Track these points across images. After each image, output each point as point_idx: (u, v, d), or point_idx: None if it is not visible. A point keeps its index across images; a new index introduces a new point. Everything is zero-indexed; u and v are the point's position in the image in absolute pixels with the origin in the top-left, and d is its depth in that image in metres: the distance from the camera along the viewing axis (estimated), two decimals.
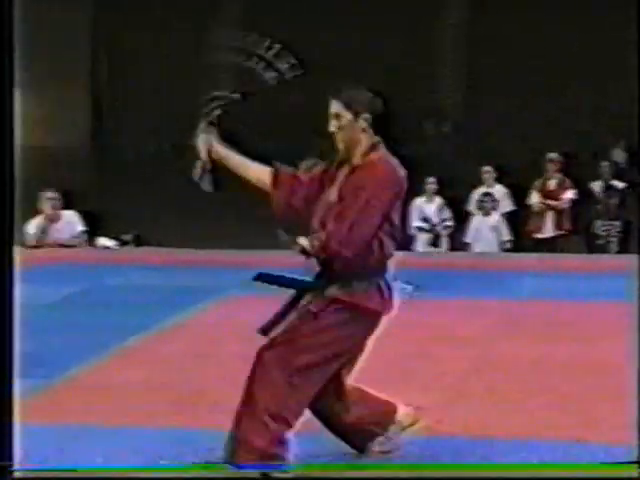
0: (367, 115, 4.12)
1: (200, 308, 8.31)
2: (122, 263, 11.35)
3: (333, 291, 4.09)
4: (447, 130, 13.22)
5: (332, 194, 4.14)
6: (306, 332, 4.10)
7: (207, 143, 4.30)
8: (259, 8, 13.52)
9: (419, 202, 12.90)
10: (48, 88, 13.66)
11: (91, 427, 4.96)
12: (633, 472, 4.04)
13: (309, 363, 4.08)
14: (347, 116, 4.11)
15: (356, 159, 4.14)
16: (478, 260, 11.86)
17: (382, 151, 4.15)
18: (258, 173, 4.33)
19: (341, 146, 4.17)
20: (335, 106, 4.13)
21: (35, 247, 12.54)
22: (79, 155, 13.89)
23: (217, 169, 4.35)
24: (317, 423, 4.36)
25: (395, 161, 4.15)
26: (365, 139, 4.14)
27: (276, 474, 4.06)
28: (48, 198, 12.79)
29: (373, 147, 4.15)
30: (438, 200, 12.94)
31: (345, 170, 4.17)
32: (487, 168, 12.87)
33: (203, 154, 4.30)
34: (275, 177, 4.30)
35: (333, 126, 4.14)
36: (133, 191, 13.47)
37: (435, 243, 12.98)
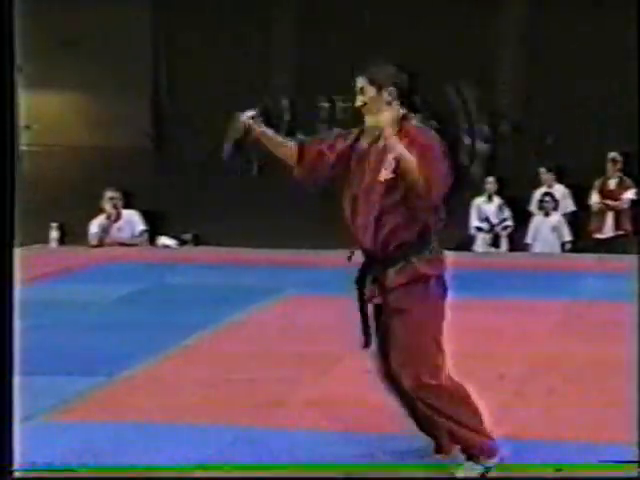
0: (391, 88, 4.20)
1: (259, 307, 8.36)
2: (182, 262, 11.44)
3: (394, 273, 4.14)
4: (506, 129, 13.14)
5: (380, 173, 4.14)
6: (402, 324, 4.15)
7: (247, 120, 4.36)
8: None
9: (479, 202, 12.85)
10: (109, 89, 13.81)
11: (150, 425, 5.02)
12: (633, 472, 4.04)
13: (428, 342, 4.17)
14: (371, 91, 4.20)
15: (387, 131, 4.15)
16: (538, 261, 11.79)
17: (414, 121, 4.20)
18: (286, 150, 4.39)
19: (369, 120, 4.24)
20: (360, 81, 4.24)
21: (97, 246, 12.69)
22: (140, 155, 14.01)
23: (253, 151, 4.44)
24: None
25: (429, 129, 4.18)
26: (391, 111, 4.20)
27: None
28: (109, 198, 12.93)
29: (404, 118, 4.20)
30: (497, 200, 12.88)
31: (381, 144, 4.18)
32: (542, 169, 12.79)
33: (239, 125, 4.37)
34: (301, 153, 4.37)
35: (359, 101, 4.24)
36: (193, 191, 13.58)
37: (495, 243, 12.92)
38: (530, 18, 13.28)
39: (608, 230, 12.66)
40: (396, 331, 4.15)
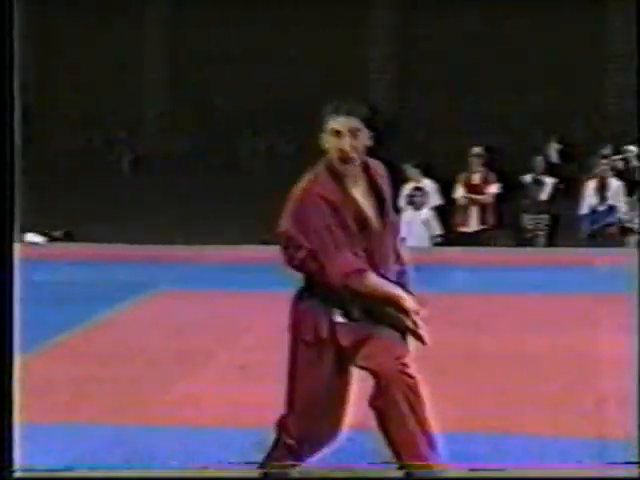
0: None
1: (131, 304, 8.24)
2: (51, 259, 11.22)
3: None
4: (382, 127, 13.26)
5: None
6: None
7: None
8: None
9: None
10: None
11: (18, 425, 4.88)
12: (633, 472, 3.93)
13: None
14: (364, 135, 3.81)
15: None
16: (410, 254, 11.90)
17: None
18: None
19: (352, 169, 3.83)
20: (352, 122, 3.78)
21: None
22: None
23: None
24: None
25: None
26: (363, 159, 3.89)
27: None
28: None
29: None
30: None
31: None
32: (407, 165, 12.92)
33: None
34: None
35: (348, 145, 3.77)
36: (64, 188, 13.37)
37: None
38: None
39: (473, 224, 12.86)
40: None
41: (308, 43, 13.11)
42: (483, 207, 12.83)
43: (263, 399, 4.48)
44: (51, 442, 4.59)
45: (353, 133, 3.78)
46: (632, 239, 12.51)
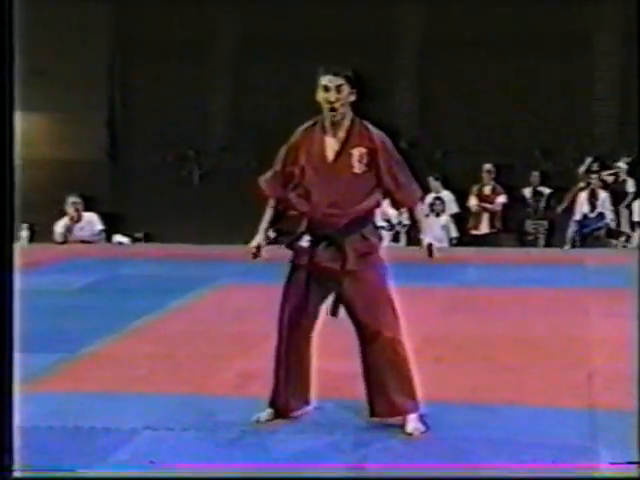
0: (355, 90, 4.11)
1: (198, 294, 8.27)
2: (134, 257, 11.29)
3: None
4: (404, 145, 13.23)
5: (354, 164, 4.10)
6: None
7: None
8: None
9: (384, 206, 12.88)
10: (73, 112, 13.64)
11: (107, 393, 4.93)
12: (633, 472, 3.66)
13: None
14: (346, 90, 4.06)
15: (345, 127, 4.11)
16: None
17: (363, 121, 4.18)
18: None
19: (337, 117, 4.08)
20: (336, 80, 4.05)
21: (62, 243, 12.47)
22: (98, 166, 13.91)
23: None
24: None
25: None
26: (349, 110, 4.13)
27: None
28: (72, 202, 12.70)
29: (355, 119, 4.16)
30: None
31: (340, 135, 4.12)
32: (430, 178, 12.93)
33: None
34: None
35: (333, 97, 4.04)
36: (143, 196, 13.47)
37: (396, 239, 13.01)
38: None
39: (484, 228, 12.96)
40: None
41: None
42: (492, 214, 12.91)
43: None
44: (133, 407, 4.63)
45: (338, 88, 4.03)
46: (616, 242, 12.44)
